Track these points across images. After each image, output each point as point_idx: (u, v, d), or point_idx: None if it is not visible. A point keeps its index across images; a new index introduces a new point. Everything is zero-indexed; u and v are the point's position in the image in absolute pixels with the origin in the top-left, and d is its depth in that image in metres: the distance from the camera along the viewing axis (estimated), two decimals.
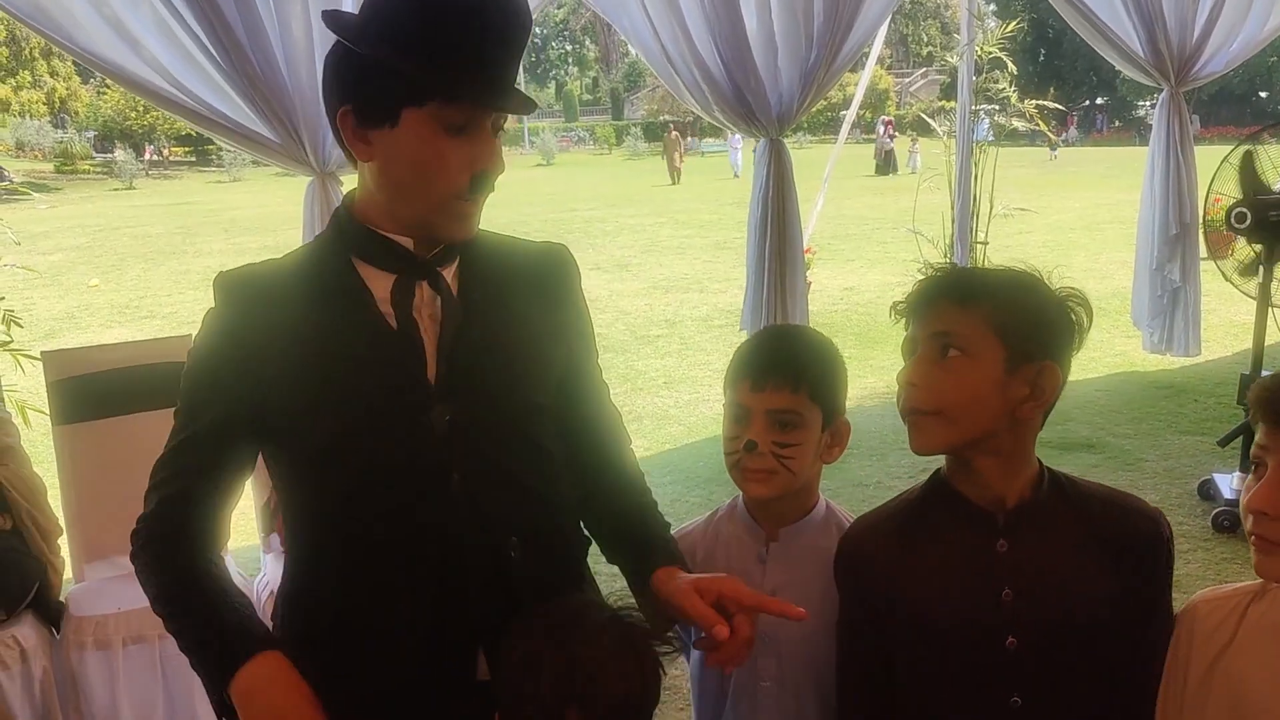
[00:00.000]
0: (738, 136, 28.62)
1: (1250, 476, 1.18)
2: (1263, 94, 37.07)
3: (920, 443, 1.28)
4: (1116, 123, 41.71)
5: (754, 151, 4.77)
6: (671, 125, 33.59)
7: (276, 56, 3.49)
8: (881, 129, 27.83)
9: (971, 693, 1.29)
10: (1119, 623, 1.28)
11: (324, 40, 3.59)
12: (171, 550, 1.30)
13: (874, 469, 4.57)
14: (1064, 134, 37.93)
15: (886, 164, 26.11)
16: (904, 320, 1.33)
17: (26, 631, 2.64)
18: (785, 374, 1.41)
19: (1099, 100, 44.44)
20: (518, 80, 1.30)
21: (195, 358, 1.32)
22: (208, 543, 1.32)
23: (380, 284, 1.29)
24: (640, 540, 1.43)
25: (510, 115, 1.29)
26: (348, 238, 1.31)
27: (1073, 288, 1.31)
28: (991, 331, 1.23)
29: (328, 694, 1.24)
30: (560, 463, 1.42)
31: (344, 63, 1.23)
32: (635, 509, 1.48)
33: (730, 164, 27.79)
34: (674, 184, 25.58)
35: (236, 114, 3.53)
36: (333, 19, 1.24)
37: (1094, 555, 1.28)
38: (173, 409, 1.32)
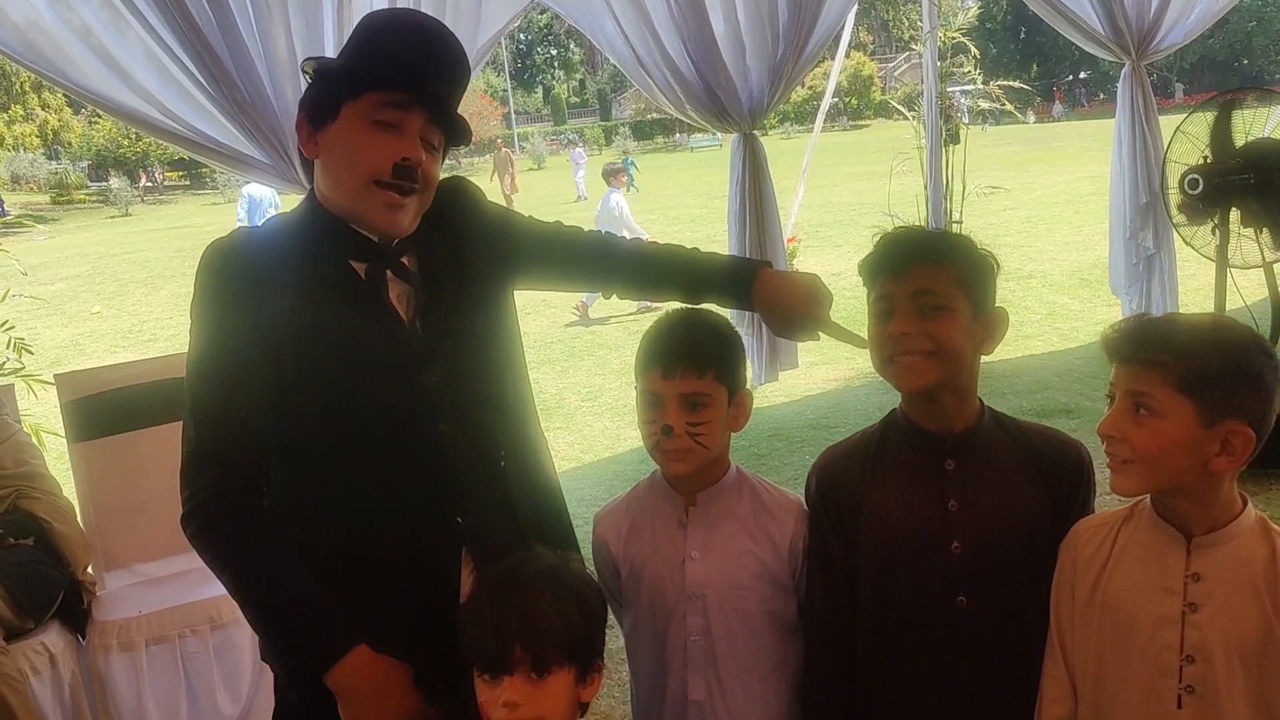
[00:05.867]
0: (580, 151, 26.97)
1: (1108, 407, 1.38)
2: (1244, 60, 37.12)
3: (909, 382, 1.52)
4: (1100, 96, 41.72)
5: (730, 146, 4.92)
6: (500, 141, 28.69)
7: (262, 80, 3.62)
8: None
9: (922, 595, 1.52)
10: (1049, 534, 1.51)
11: None
12: (239, 532, 1.43)
13: None
14: (1052, 109, 38.09)
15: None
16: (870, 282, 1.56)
17: (54, 638, 2.77)
18: (692, 361, 1.54)
19: (1082, 75, 44.46)
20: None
21: (208, 347, 1.44)
22: (265, 519, 1.45)
23: (359, 269, 1.48)
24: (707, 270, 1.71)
25: (446, 142, 1.50)
26: (325, 225, 1.49)
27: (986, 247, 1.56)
28: (959, 290, 1.49)
29: None
30: (522, 376, 1.64)
31: (308, 87, 1.48)
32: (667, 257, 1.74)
33: (575, 183, 23.39)
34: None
35: (227, 138, 3.67)
36: (312, 62, 1.49)
37: (1029, 475, 1.53)
38: (179, 421, 1.46)
